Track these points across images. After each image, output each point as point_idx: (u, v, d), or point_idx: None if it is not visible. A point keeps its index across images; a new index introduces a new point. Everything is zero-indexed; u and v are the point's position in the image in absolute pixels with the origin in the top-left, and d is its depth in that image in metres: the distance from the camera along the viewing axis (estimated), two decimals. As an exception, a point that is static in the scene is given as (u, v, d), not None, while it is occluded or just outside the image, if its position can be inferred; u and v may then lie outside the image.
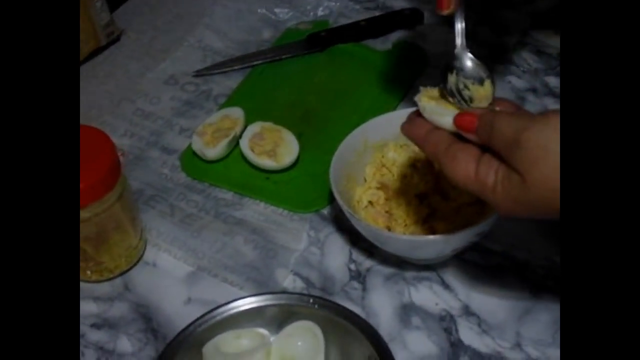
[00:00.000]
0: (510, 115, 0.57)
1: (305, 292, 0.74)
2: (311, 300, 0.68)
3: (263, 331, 0.69)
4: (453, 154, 0.59)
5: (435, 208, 0.73)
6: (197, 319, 0.68)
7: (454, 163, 0.59)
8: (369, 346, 0.64)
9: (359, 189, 0.76)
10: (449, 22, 0.83)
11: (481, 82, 0.63)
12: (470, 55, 0.65)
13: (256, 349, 0.67)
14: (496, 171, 0.56)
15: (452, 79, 0.63)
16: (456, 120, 0.59)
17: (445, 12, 0.65)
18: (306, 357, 0.67)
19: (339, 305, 0.68)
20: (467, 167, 0.58)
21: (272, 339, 0.69)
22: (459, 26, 0.65)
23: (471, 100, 0.62)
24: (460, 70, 0.64)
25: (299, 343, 0.68)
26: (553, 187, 0.53)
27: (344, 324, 0.66)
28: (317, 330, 0.67)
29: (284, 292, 0.72)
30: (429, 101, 0.62)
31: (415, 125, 0.63)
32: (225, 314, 0.68)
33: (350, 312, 0.67)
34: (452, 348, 0.69)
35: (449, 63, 0.64)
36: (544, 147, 0.53)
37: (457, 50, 0.65)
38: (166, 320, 0.73)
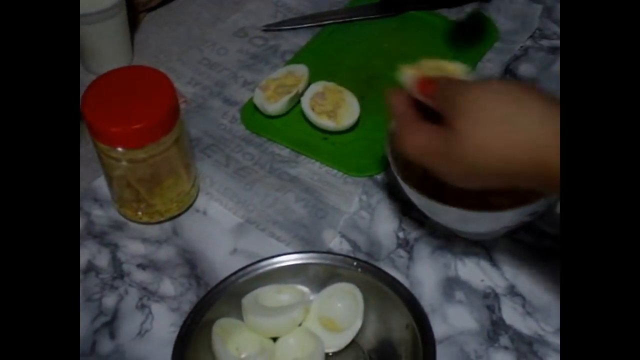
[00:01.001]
0: (460, 81, 0.59)
1: (351, 255, 0.74)
2: (355, 263, 0.67)
3: (304, 289, 0.69)
4: (409, 128, 0.62)
5: (491, 184, 0.71)
6: (240, 269, 0.68)
7: (408, 138, 0.62)
8: (409, 315, 0.64)
9: (415, 157, 0.75)
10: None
11: None
12: None
13: (295, 305, 0.67)
14: (438, 136, 0.58)
15: None
16: (419, 87, 0.62)
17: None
18: (344, 319, 0.67)
19: (382, 271, 0.67)
20: (419, 139, 0.60)
21: (312, 297, 0.69)
22: None
23: None
24: None
25: (339, 304, 0.68)
26: (478, 143, 0.55)
27: (386, 290, 0.66)
28: (358, 294, 0.67)
29: (329, 252, 0.71)
30: (411, 72, 0.65)
31: (396, 95, 0.66)
32: (268, 268, 0.68)
33: (393, 279, 0.66)
34: (493, 326, 0.68)
35: None
36: (472, 100, 0.55)
37: None
38: (210, 268, 0.74)
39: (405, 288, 0.66)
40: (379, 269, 0.67)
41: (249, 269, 0.68)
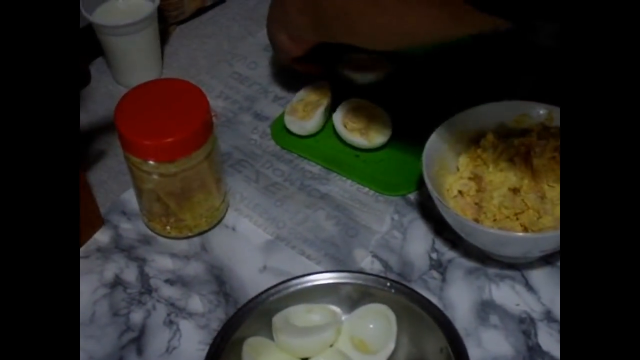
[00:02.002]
0: None
1: (382, 275, 0.72)
2: (388, 284, 0.66)
3: (335, 309, 0.67)
4: None
5: (528, 206, 0.70)
6: (271, 287, 0.67)
7: None
8: (443, 338, 0.62)
9: (450, 177, 0.74)
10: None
11: None
12: None
13: (326, 325, 0.66)
14: None
15: None
16: None
17: None
18: (376, 340, 0.66)
19: (416, 292, 0.66)
20: None
21: (343, 317, 0.67)
22: None
23: None
24: None
25: (371, 326, 0.66)
26: None
27: (419, 312, 0.64)
28: (391, 315, 0.65)
29: (361, 272, 0.70)
30: None
31: None
32: (299, 287, 0.67)
33: (428, 300, 0.65)
34: (529, 352, 0.67)
35: None
36: None
37: None
38: (239, 286, 0.73)
39: (439, 310, 0.64)
40: (413, 290, 0.66)
41: (280, 287, 0.67)
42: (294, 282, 0.67)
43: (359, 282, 0.67)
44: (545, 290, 0.71)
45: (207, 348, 0.64)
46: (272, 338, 0.66)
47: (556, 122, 0.73)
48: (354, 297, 0.67)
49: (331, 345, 0.66)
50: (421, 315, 0.64)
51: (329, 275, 0.68)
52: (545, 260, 0.72)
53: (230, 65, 0.94)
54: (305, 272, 0.69)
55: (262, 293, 0.67)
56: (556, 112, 0.73)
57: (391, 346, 0.65)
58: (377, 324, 0.66)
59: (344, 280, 0.67)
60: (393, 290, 0.66)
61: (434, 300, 0.69)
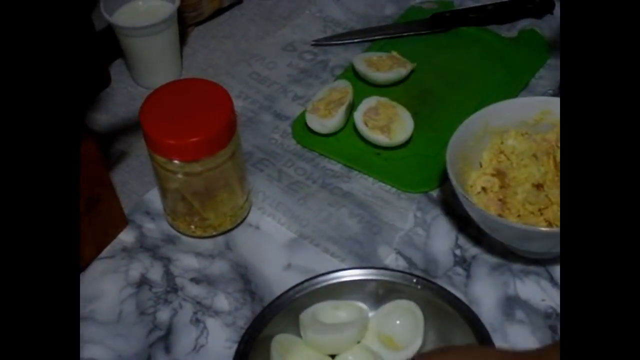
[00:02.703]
0: None
1: (408, 271, 0.72)
2: (414, 280, 0.66)
3: (362, 305, 0.68)
4: None
5: (552, 201, 0.70)
6: (297, 284, 0.67)
7: None
8: (472, 335, 0.63)
9: (473, 173, 0.74)
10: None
11: None
12: None
13: (353, 322, 0.66)
14: None
15: None
16: None
17: None
18: (404, 337, 0.66)
19: (442, 288, 0.66)
20: None
21: (370, 314, 0.67)
22: None
23: None
24: None
25: (398, 322, 0.67)
26: None
27: (446, 308, 0.65)
28: (418, 311, 0.66)
29: (387, 268, 0.70)
30: None
31: None
32: (325, 283, 0.67)
33: (454, 296, 0.65)
34: (555, 347, 0.67)
35: None
36: None
37: None
38: (264, 284, 0.73)
39: (467, 307, 0.64)
40: (439, 286, 0.66)
41: (307, 284, 0.67)
42: (320, 279, 0.68)
43: (385, 278, 0.67)
44: (570, 285, 0.71)
45: (234, 346, 0.64)
46: (299, 335, 0.66)
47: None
48: (380, 294, 0.67)
49: (358, 342, 0.66)
50: (448, 312, 0.64)
51: (355, 272, 0.68)
52: (569, 255, 0.72)
53: (249, 65, 0.94)
54: (330, 270, 0.69)
55: (288, 290, 0.67)
56: (578, 107, 0.73)
57: (418, 342, 0.65)
58: (403, 320, 0.66)
59: (370, 277, 0.68)
60: (419, 287, 0.66)
61: (459, 296, 0.69)
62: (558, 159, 0.71)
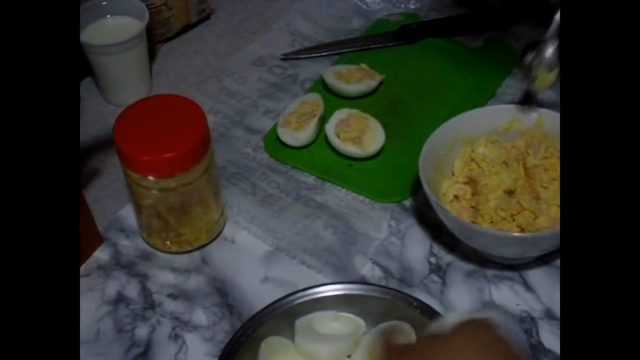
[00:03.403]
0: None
1: (383, 281, 0.73)
2: (414, 304, 0.66)
3: (360, 321, 0.67)
4: None
5: (523, 207, 0.71)
6: (299, 290, 0.67)
7: None
8: None
9: (445, 182, 0.75)
10: (543, 25, 0.82)
11: (550, 69, 0.71)
12: (554, 44, 0.70)
13: (346, 336, 0.66)
14: None
15: (529, 57, 0.72)
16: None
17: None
18: None
19: (438, 313, 0.65)
20: None
21: (366, 330, 0.67)
22: (557, 17, 0.70)
23: (533, 80, 0.72)
24: (540, 52, 0.71)
25: None
26: None
27: None
28: (412, 336, 0.65)
29: (390, 288, 0.69)
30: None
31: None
32: (328, 293, 0.67)
33: None
34: (532, 350, 0.68)
35: (535, 42, 0.71)
36: None
37: (547, 35, 0.70)
38: (242, 297, 0.73)
39: None
40: (439, 314, 0.65)
41: (309, 291, 0.67)
42: (323, 288, 0.68)
43: (387, 297, 0.67)
44: (543, 289, 0.72)
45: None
46: (293, 340, 0.66)
47: (547, 125, 0.75)
48: (379, 312, 0.67)
49: (349, 356, 0.66)
50: None
51: (358, 286, 0.68)
52: (542, 260, 0.74)
53: (219, 80, 0.94)
54: (307, 282, 0.69)
55: (289, 295, 0.67)
56: (546, 115, 0.75)
57: None
58: (397, 341, 0.66)
59: (373, 294, 0.67)
60: (418, 311, 0.66)
61: (435, 303, 0.70)
62: (528, 165, 0.73)
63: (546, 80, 0.73)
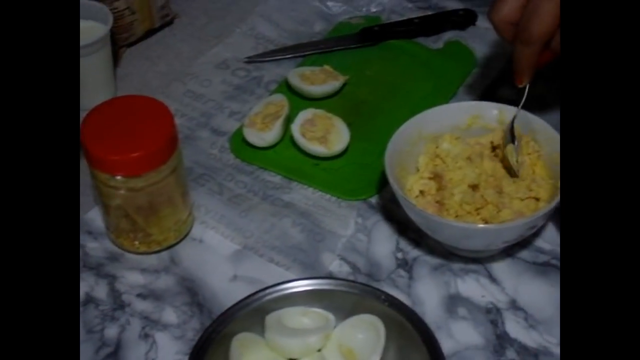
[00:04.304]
0: None
1: (351, 277, 0.74)
2: (383, 297, 0.67)
3: (329, 315, 0.68)
4: None
5: (487, 201, 0.73)
6: (268, 287, 0.68)
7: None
8: (427, 356, 0.63)
9: (411, 178, 0.76)
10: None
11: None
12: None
13: (316, 330, 0.67)
14: None
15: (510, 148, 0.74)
16: None
17: (520, 85, 0.75)
18: (364, 351, 0.66)
19: (408, 307, 0.66)
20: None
21: (335, 325, 0.68)
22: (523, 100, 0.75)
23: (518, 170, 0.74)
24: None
25: (360, 336, 0.67)
26: None
27: (408, 327, 0.65)
28: (381, 328, 0.66)
29: (358, 282, 0.70)
30: None
31: None
32: (296, 289, 0.68)
33: (418, 317, 0.65)
34: (498, 340, 0.69)
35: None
36: None
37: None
38: (212, 296, 0.73)
39: (427, 328, 0.64)
40: (406, 306, 0.66)
41: (278, 287, 0.68)
42: (292, 284, 0.68)
43: (355, 291, 0.67)
44: (508, 281, 0.73)
45: (185, 358, 0.65)
46: (263, 335, 0.67)
47: (507, 120, 0.77)
48: (349, 306, 0.68)
49: (319, 350, 0.67)
50: (410, 331, 0.65)
51: (327, 281, 0.69)
52: (506, 252, 0.75)
53: (183, 84, 0.95)
54: (276, 279, 0.70)
55: (259, 291, 0.67)
56: (507, 111, 0.77)
57: (376, 358, 0.66)
58: (366, 334, 0.67)
59: (342, 289, 0.68)
60: (387, 304, 0.66)
61: (403, 297, 0.71)
62: (491, 161, 0.75)
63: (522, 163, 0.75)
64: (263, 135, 0.84)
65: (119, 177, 0.71)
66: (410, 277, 0.74)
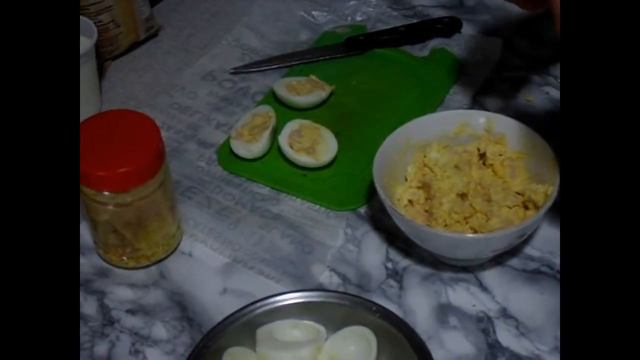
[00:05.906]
0: None
1: (341, 288, 0.74)
2: (374, 308, 0.66)
3: (320, 327, 0.68)
4: None
5: (476, 209, 0.73)
6: (258, 300, 0.67)
7: None
8: None
9: (399, 187, 0.76)
10: (486, 33, 0.84)
11: None
12: None
13: (307, 342, 0.66)
14: None
15: None
16: None
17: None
18: None
19: (400, 318, 0.66)
20: None
21: (327, 337, 0.68)
22: None
23: None
24: None
25: (352, 347, 0.66)
26: None
27: (400, 339, 0.64)
28: (373, 339, 0.66)
29: (348, 294, 0.70)
30: None
31: None
32: (287, 302, 0.67)
33: (411, 329, 0.65)
34: (489, 349, 0.69)
35: None
36: None
37: None
38: (201, 310, 0.73)
39: (420, 340, 0.64)
40: (397, 317, 0.66)
41: (268, 300, 0.67)
42: (283, 297, 0.68)
43: (346, 303, 0.67)
44: (498, 290, 0.73)
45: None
46: (255, 349, 0.66)
47: (495, 128, 0.77)
48: (340, 318, 0.67)
49: (310, 363, 0.67)
50: (402, 342, 0.64)
51: (317, 293, 0.68)
52: (495, 261, 0.75)
53: (169, 96, 0.94)
54: (265, 292, 0.70)
55: (249, 305, 0.67)
56: (495, 119, 0.77)
57: None
58: (358, 346, 0.66)
59: (332, 300, 0.67)
60: (378, 315, 0.66)
61: (393, 307, 0.71)
62: (479, 169, 0.75)
63: None
64: (250, 147, 0.84)
65: (106, 193, 0.70)
66: (401, 287, 0.74)
